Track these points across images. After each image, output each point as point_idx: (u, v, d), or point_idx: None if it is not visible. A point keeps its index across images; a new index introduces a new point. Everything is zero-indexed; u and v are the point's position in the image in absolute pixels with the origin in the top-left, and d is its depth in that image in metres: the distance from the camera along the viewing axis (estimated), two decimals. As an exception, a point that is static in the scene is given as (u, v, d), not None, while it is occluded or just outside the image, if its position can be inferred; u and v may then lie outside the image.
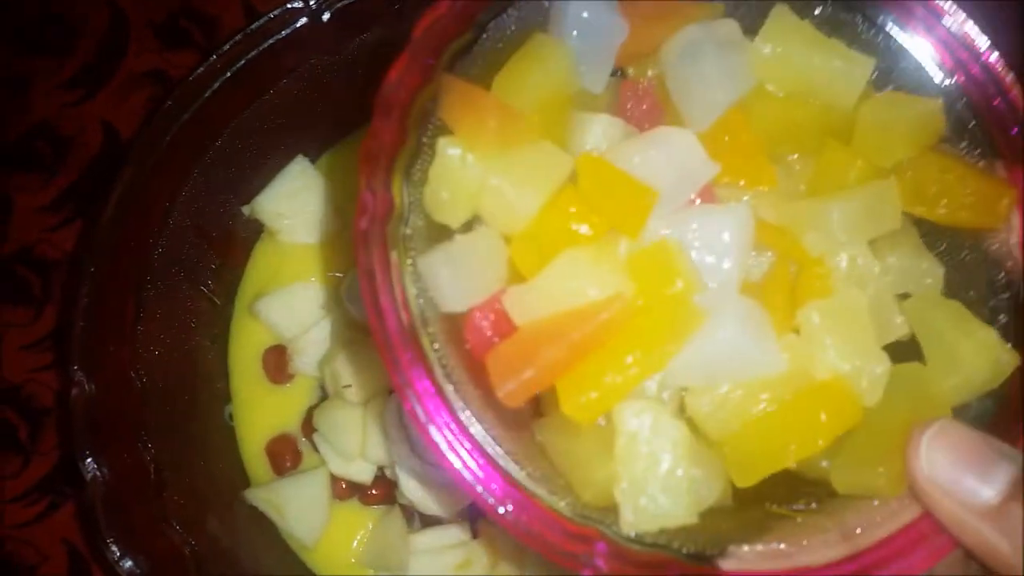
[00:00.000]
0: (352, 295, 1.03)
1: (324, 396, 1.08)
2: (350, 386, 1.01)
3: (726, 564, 0.60)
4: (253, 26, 1.02)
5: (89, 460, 0.89)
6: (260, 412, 1.07)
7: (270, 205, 1.09)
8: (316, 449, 1.06)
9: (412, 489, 0.95)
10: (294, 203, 1.09)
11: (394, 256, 0.61)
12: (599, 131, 0.68)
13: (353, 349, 1.02)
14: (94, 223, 0.97)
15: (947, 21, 0.73)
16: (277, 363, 1.08)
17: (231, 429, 1.07)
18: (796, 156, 0.73)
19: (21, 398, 1.22)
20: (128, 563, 0.87)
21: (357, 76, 1.10)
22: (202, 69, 1.01)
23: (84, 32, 1.40)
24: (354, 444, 1.01)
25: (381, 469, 1.04)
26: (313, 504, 1.01)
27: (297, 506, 1.00)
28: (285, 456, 1.04)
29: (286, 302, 1.08)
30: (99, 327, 0.94)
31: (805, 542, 0.62)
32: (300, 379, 1.09)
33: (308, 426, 1.08)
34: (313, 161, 1.14)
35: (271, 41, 1.02)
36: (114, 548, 0.87)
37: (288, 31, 1.02)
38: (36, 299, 1.26)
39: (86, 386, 0.91)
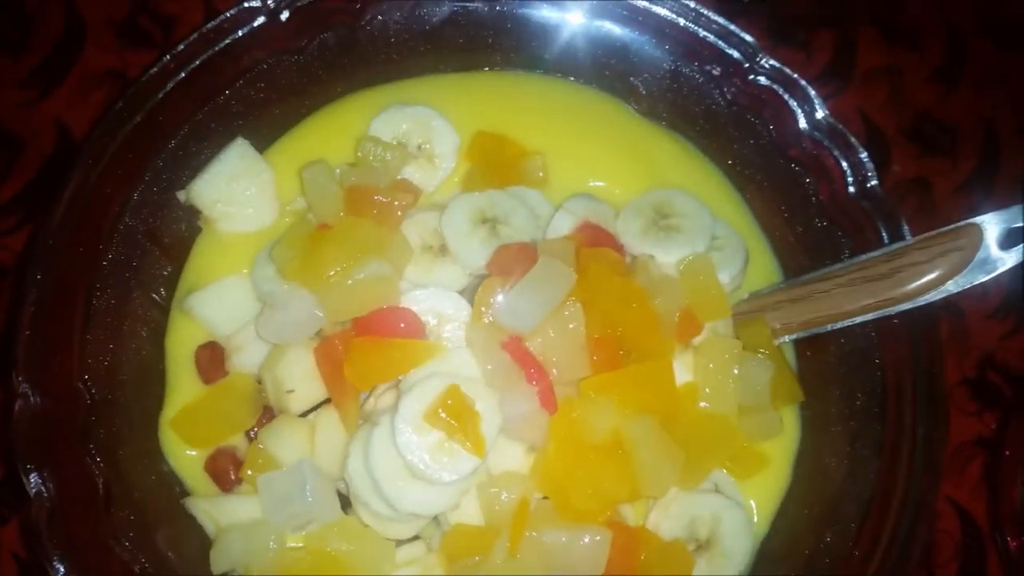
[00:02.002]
0: (263, 324, 0.99)
1: (263, 398, 1.03)
2: (293, 391, 0.98)
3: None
4: (209, 25, 0.99)
5: (33, 475, 0.86)
6: (196, 416, 1.01)
7: (207, 190, 1.02)
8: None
9: (394, 490, 0.92)
10: (232, 188, 1.03)
11: None
12: None
13: (294, 353, 0.98)
14: (42, 228, 0.93)
15: None
16: (211, 360, 1.02)
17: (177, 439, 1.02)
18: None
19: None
20: (74, 582, 0.83)
21: (318, 77, 1.08)
22: (156, 69, 0.98)
23: (39, 30, 1.36)
24: (299, 458, 0.97)
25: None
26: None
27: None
28: (227, 470, 0.98)
29: (219, 297, 1.03)
30: (45, 337, 0.91)
31: None
32: (235, 377, 1.02)
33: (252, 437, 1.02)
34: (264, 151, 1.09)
35: (227, 41, 1.00)
36: (59, 567, 0.83)
37: (245, 30, 1.00)
38: (-16, 306, 1.22)
39: (31, 398, 0.88)
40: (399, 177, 1.05)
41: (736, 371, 0.97)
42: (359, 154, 1.04)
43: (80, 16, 1.37)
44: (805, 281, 1.02)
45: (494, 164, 1.08)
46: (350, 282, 0.93)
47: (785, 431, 1.04)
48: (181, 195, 1.03)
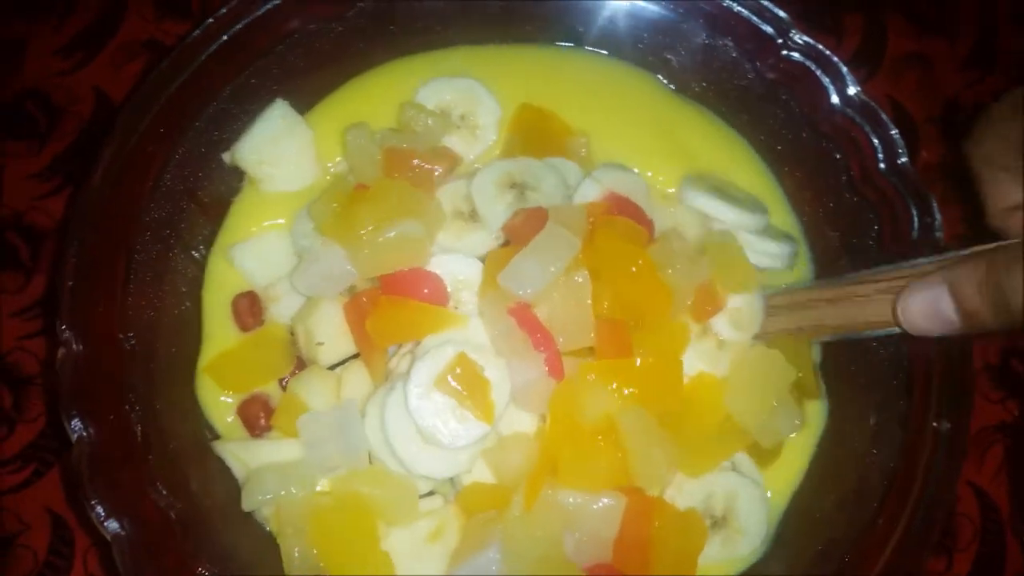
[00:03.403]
0: (298, 277, 1.01)
1: (295, 349, 1.05)
2: (323, 344, 1.00)
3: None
4: (250, -10, 1.01)
5: (76, 421, 0.88)
6: (232, 362, 1.03)
7: (251, 151, 1.04)
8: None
9: (408, 453, 0.94)
10: (275, 150, 1.05)
11: None
12: None
13: (326, 307, 1.01)
14: (85, 184, 0.95)
15: None
16: (250, 309, 1.04)
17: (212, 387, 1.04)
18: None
19: (6, 366, 1.20)
20: (113, 524, 0.85)
21: (355, 43, 1.09)
22: (198, 32, 1.00)
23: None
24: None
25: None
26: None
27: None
28: (259, 416, 1.01)
29: (260, 248, 1.05)
30: (88, 288, 0.93)
31: None
32: (270, 327, 1.05)
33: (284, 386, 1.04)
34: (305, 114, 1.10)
35: (269, 6, 1.02)
36: (99, 509, 0.85)
37: (284, -4, 1.01)
38: (25, 266, 1.25)
39: (74, 346, 0.90)
40: (440, 144, 1.07)
41: (775, 396, 0.97)
42: (402, 119, 1.07)
43: (120, -13, 1.40)
44: (843, 282, 0.97)
45: (536, 137, 1.09)
46: (381, 239, 0.95)
47: (809, 422, 1.04)
48: (226, 156, 1.05)
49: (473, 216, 1.04)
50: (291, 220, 1.05)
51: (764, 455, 1.03)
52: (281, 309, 1.04)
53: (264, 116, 1.05)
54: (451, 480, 0.99)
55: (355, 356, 1.03)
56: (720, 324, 1.03)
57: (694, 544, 0.96)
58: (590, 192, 1.03)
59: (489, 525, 0.92)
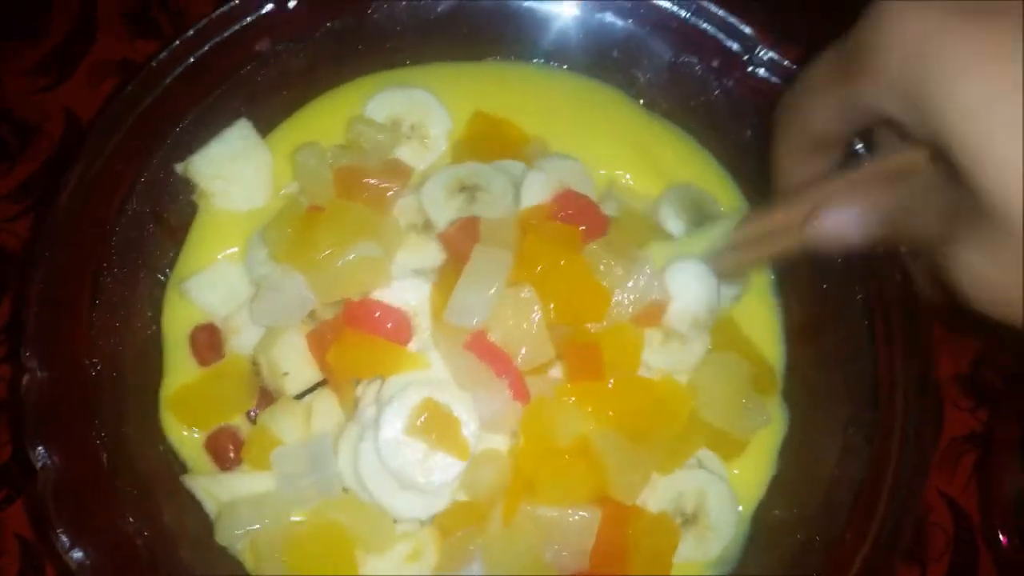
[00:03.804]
0: (256, 308, 1.00)
1: (259, 380, 1.04)
2: (288, 373, 0.99)
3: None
4: (218, 11, 1.01)
5: (40, 448, 0.87)
6: (194, 397, 1.01)
7: (206, 165, 1.03)
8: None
9: (387, 499, 0.94)
10: (230, 167, 1.04)
11: None
12: None
13: (288, 336, 1.00)
14: (50, 208, 0.95)
15: None
16: (208, 342, 1.02)
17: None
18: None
19: (-27, 392, 1.19)
20: (78, 554, 0.84)
21: (324, 64, 1.10)
22: (165, 53, 1.00)
23: (53, 19, 1.39)
24: (296, 439, 0.98)
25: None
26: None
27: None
28: (228, 448, 0.99)
29: (214, 280, 1.03)
30: (53, 313, 0.92)
31: None
32: (231, 359, 1.03)
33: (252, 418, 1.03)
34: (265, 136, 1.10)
35: (236, 27, 1.02)
36: (64, 538, 0.84)
37: (253, 17, 1.02)
38: (-9, 290, 1.24)
39: (38, 373, 0.89)
40: (391, 158, 1.07)
41: (742, 396, 0.99)
42: (349, 135, 1.06)
43: (92, 6, 1.40)
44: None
45: (488, 143, 1.09)
46: (340, 263, 0.95)
47: (771, 418, 1.05)
48: (179, 167, 1.04)
49: (427, 227, 1.04)
50: (244, 247, 1.04)
51: (728, 448, 1.04)
52: (242, 340, 1.03)
53: (224, 134, 1.05)
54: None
55: (322, 383, 1.02)
56: (674, 321, 1.02)
57: (668, 545, 0.97)
58: (536, 184, 1.02)
59: (468, 542, 0.93)
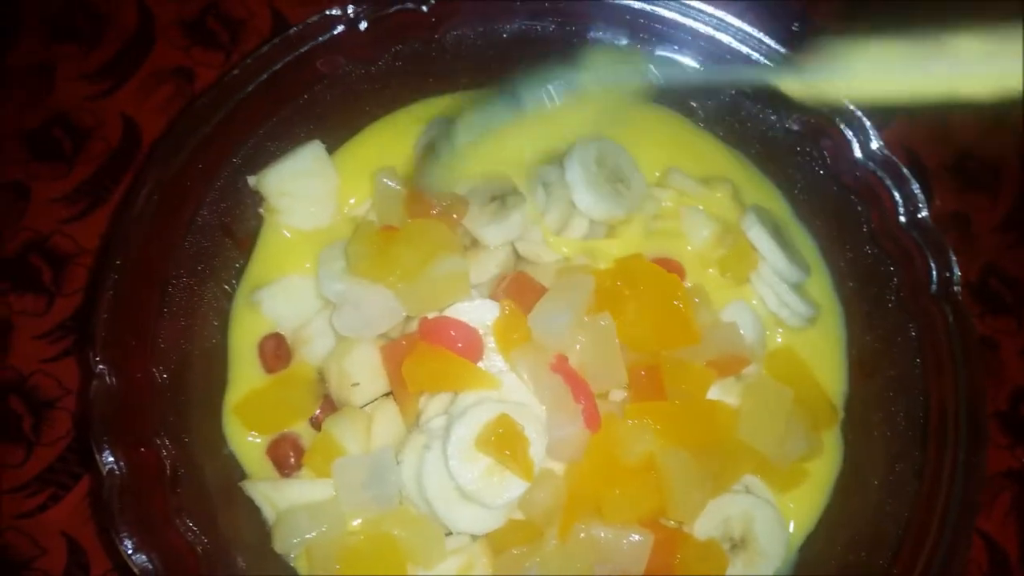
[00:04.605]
0: (340, 319, 1.02)
1: (322, 389, 1.07)
2: (358, 384, 1.01)
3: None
4: (291, 31, 1.03)
5: (107, 452, 0.89)
6: (260, 402, 1.04)
7: (277, 181, 1.06)
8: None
9: (448, 512, 0.96)
10: (299, 184, 1.07)
11: None
12: None
13: (361, 348, 1.02)
14: (123, 216, 0.97)
15: None
16: (275, 351, 1.05)
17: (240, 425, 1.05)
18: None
19: (27, 388, 1.21)
20: (142, 559, 0.86)
21: (391, 86, 1.12)
22: (237, 70, 1.02)
23: (113, 24, 1.41)
24: (358, 447, 1.00)
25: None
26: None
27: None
28: (288, 455, 1.02)
29: (285, 293, 1.07)
30: (122, 320, 0.94)
31: None
32: (296, 367, 1.06)
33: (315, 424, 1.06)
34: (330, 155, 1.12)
35: (307, 47, 1.04)
36: (128, 543, 0.86)
37: (324, 37, 1.04)
38: (48, 290, 1.26)
39: (107, 378, 0.91)
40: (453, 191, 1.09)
41: (785, 423, 1.00)
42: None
43: (151, 14, 1.42)
44: None
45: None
46: (430, 277, 0.98)
47: (827, 451, 1.06)
48: (252, 180, 1.07)
49: (474, 244, 1.07)
50: (314, 263, 1.07)
51: (780, 481, 1.05)
52: (312, 350, 1.06)
53: (297, 152, 1.07)
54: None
55: (385, 395, 1.04)
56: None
57: (716, 573, 0.99)
58: (575, 166, 1.07)
59: (524, 559, 0.95)
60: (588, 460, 0.95)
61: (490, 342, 1.00)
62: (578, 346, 0.96)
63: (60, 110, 1.36)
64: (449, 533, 0.99)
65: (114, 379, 0.91)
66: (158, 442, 0.93)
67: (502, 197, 1.07)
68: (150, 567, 0.86)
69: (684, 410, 0.97)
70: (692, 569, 0.96)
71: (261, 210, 1.09)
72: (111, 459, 0.89)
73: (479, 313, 1.00)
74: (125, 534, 0.86)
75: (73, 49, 1.39)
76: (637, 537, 0.93)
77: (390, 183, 1.05)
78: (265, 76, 1.02)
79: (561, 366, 0.95)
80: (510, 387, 0.98)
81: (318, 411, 1.05)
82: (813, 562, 1.02)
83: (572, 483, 0.96)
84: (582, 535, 0.93)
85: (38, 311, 1.25)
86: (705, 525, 1.01)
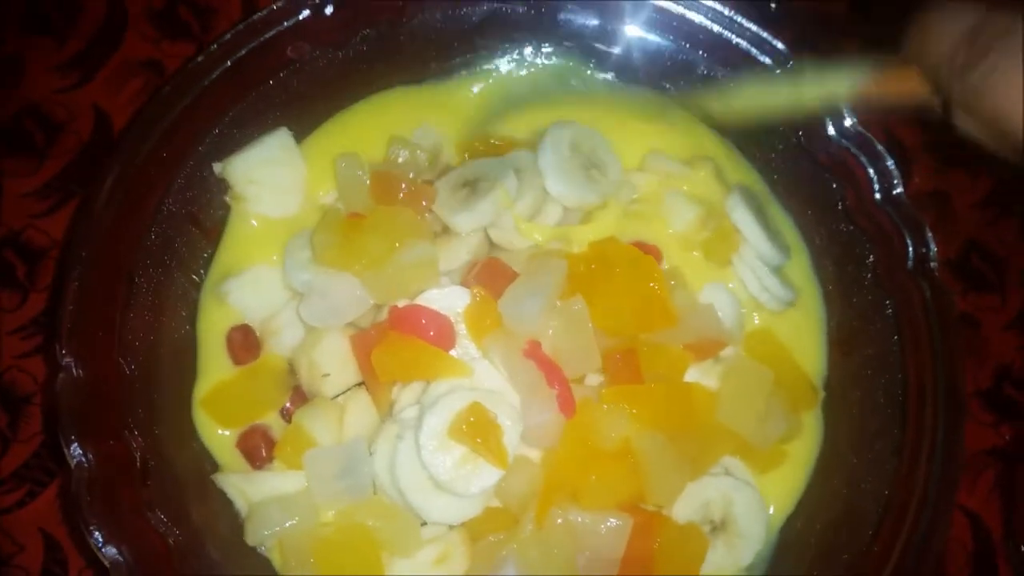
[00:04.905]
0: (307, 309, 1.01)
1: (292, 380, 1.05)
2: (329, 375, 1.00)
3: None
4: (256, 16, 1.02)
5: (75, 446, 0.88)
6: (228, 396, 1.03)
7: (242, 168, 1.05)
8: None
9: (422, 502, 0.95)
10: (266, 172, 1.05)
11: None
12: None
13: (330, 338, 1.01)
14: (88, 207, 0.95)
15: None
16: (244, 342, 1.04)
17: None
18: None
19: (2, 385, 1.20)
20: (111, 551, 0.85)
21: (359, 71, 1.10)
22: (202, 57, 1.01)
23: (83, 17, 1.39)
24: (330, 439, 0.99)
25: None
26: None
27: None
28: (259, 447, 1.01)
29: (252, 284, 1.05)
30: (88, 312, 0.93)
31: None
32: (266, 359, 1.05)
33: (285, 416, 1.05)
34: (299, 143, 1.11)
35: (273, 32, 1.02)
36: (97, 535, 0.85)
37: (290, 22, 1.02)
38: (22, 285, 1.25)
39: (74, 371, 0.90)
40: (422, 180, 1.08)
41: (764, 404, 0.99)
42: (389, 155, 1.08)
43: (121, 5, 1.41)
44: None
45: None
46: (397, 264, 0.97)
47: (806, 431, 1.05)
48: (217, 167, 1.05)
49: (445, 230, 1.06)
50: (282, 253, 1.06)
51: (760, 462, 1.05)
52: (283, 341, 1.04)
53: (264, 140, 1.06)
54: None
55: (357, 384, 1.03)
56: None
57: (696, 555, 0.98)
58: (548, 151, 1.06)
59: (501, 547, 0.94)
60: (564, 446, 0.94)
61: (462, 330, 0.99)
62: (551, 331, 0.95)
63: (31, 103, 1.34)
64: (424, 523, 0.98)
65: (81, 371, 0.90)
66: (127, 434, 0.92)
67: (473, 183, 1.05)
68: (120, 559, 0.85)
69: (661, 393, 0.96)
70: (672, 553, 0.95)
71: (227, 198, 1.07)
72: (79, 452, 0.88)
73: (450, 300, 0.99)
74: (94, 527, 0.85)
75: (44, 41, 1.37)
76: (615, 522, 0.92)
77: (353, 168, 1.04)
78: (230, 63, 1.00)
79: (534, 352, 0.94)
80: (483, 375, 0.96)
81: (288, 403, 1.04)
82: (793, 542, 1.02)
83: (549, 469, 0.95)
84: (559, 521, 0.92)
85: (12, 306, 1.24)
86: (684, 508, 1.00)
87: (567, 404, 0.94)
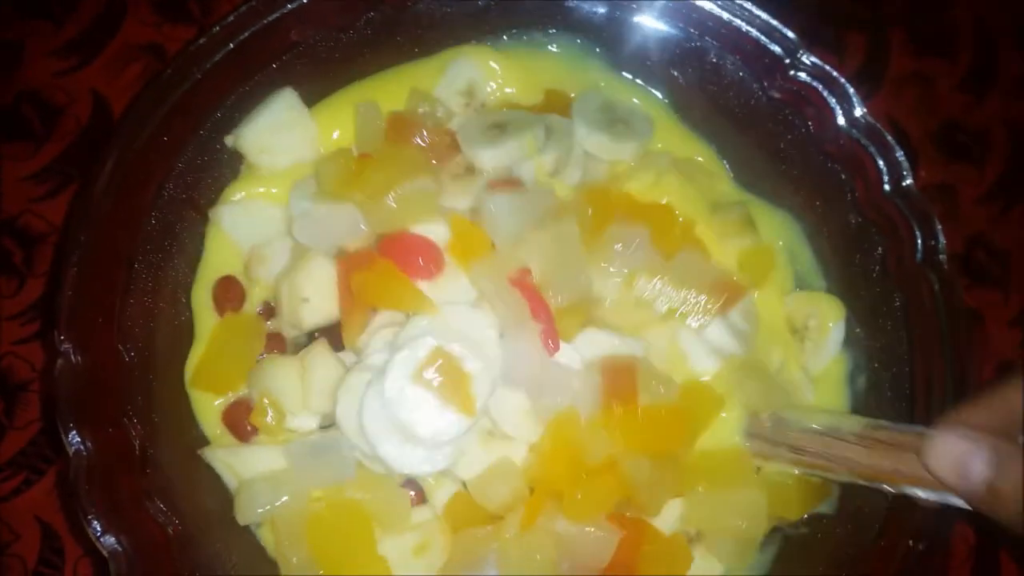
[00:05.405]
0: (301, 226, 1.01)
1: (268, 328, 1.05)
2: (308, 300, 0.99)
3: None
4: (258, -1, 1.00)
5: (73, 433, 0.86)
6: (208, 357, 1.02)
7: (253, 137, 1.04)
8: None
9: (388, 450, 0.92)
10: (277, 139, 1.05)
11: None
12: None
13: (315, 263, 1.00)
14: (87, 192, 0.94)
15: None
16: (227, 292, 1.03)
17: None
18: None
19: (-1, 371, 1.19)
20: (110, 540, 0.84)
21: (362, 54, 1.09)
22: (203, 40, 0.99)
23: (82, 1, 1.37)
24: (295, 397, 0.99)
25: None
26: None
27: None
28: (243, 420, 0.99)
29: (249, 213, 1.05)
30: (87, 298, 0.92)
31: None
32: (245, 313, 1.04)
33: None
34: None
35: (276, 15, 1.01)
36: (96, 524, 0.84)
37: (293, 5, 1.01)
38: (19, 271, 1.23)
39: (72, 357, 0.89)
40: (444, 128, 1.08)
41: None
42: (408, 106, 1.08)
43: (121, -11, 1.39)
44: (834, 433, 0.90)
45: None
46: (396, 195, 0.97)
47: None
48: (229, 140, 1.04)
49: (469, 171, 1.06)
50: (285, 190, 1.05)
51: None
52: (269, 268, 1.04)
53: (270, 105, 1.04)
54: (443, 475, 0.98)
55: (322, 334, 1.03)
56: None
57: (680, 567, 0.97)
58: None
59: (484, 542, 0.93)
60: (552, 450, 0.93)
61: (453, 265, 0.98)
62: (539, 259, 0.94)
63: (30, 87, 1.33)
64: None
65: (79, 358, 0.89)
66: (126, 422, 0.91)
67: (503, 125, 1.05)
68: (119, 549, 0.84)
69: (654, 421, 0.94)
70: (657, 563, 0.95)
71: (242, 167, 1.07)
72: (77, 439, 0.87)
73: (444, 232, 0.98)
74: (93, 516, 0.84)
75: (42, 25, 1.35)
76: (602, 534, 0.91)
77: (371, 113, 1.05)
78: (232, 45, 0.99)
79: (520, 280, 0.93)
80: (462, 319, 0.95)
81: (263, 352, 1.03)
82: (798, 539, 1.01)
83: (532, 473, 0.94)
84: (545, 526, 0.91)
85: (9, 292, 1.22)
86: (668, 517, 0.98)
87: (550, 337, 0.92)
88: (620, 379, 0.94)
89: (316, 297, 0.99)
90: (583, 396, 0.94)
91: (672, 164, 1.09)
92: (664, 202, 1.06)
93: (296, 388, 0.98)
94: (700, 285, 1.00)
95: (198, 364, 1.03)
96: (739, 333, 1.02)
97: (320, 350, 0.99)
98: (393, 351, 0.93)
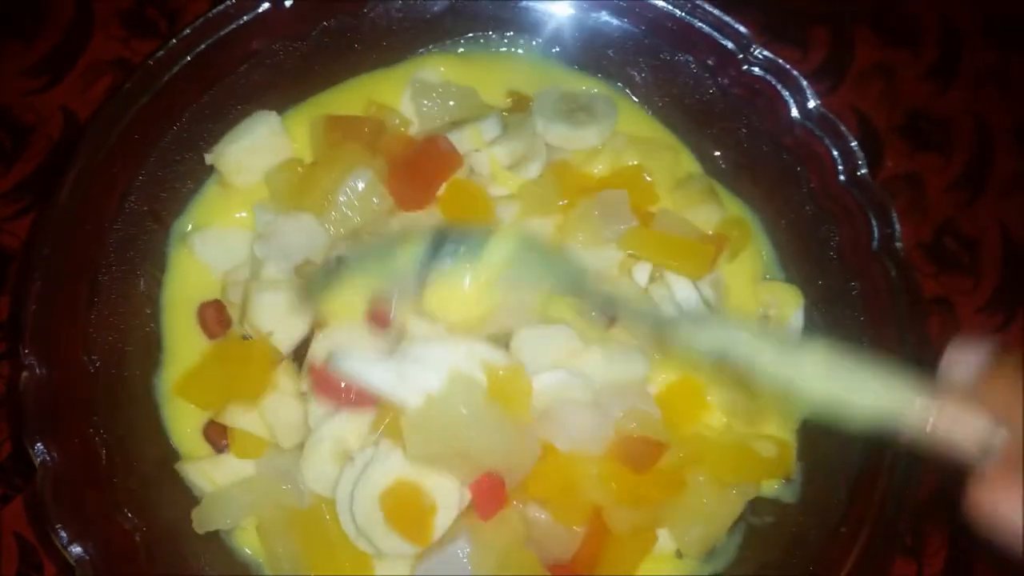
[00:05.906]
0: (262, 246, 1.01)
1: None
2: (272, 332, 0.99)
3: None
4: (214, 11, 1.01)
5: (39, 445, 0.87)
6: (204, 376, 1.02)
7: (232, 157, 1.05)
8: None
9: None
10: (255, 160, 1.06)
11: None
12: None
13: (264, 298, 0.99)
14: (49, 205, 0.95)
15: None
16: (217, 317, 1.03)
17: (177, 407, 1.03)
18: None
19: (-27, 388, 1.19)
20: (77, 549, 0.85)
21: (320, 62, 1.10)
22: (162, 52, 1.00)
23: (50, 18, 1.39)
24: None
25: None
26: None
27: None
28: (221, 438, 1.00)
29: (221, 239, 1.06)
30: (52, 310, 0.92)
31: None
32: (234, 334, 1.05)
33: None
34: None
35: (233, 26, 1.02)
36: (63, 534, 0.85)
37: (250, 16, 1.02)
38: (-10, 289, 1.24)
39: (37, 370, 0.89)
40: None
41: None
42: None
43: (89, 6, 1.40)
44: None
45: None
46: (343, 195, 1.00)
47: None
48: (209, 157, 1.05)
49: None
50: (252, 213, 1.07)
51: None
52: (240, 290, 1.04)
53: (252, 125, 1.06)
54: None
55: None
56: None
57: (645, 546, 0.98)
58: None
59: (457, 521, 0.93)
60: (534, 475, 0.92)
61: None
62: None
63: (1, 106, 1.34)
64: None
65: (44, 370, 0.90)
66: (92, 432, 0.92)
67: (458, 121, 1.06)
68: (87, 558, 0.85)
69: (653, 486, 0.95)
70: (624, 544, 0.96)
71: (216, 182, 1.08)
72: (43, 451, 0.87)
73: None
74: (60, 525, 0.85)
75: (10, 44, 1.37)
76: (572, 529, 0.93)
77: (319, 126, 1.07)
78: (189, 58, 1.00)
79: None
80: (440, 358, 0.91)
81: None
82: (760, 527, 1.02)
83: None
84: (516, 512, 0.92)
85: (-19, 311, 1.23)
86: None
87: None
88: (639, 457, 0.93)
89: (279, 327, 0.99)
90: (588, 433, 0.92)
91: (630, 142, 1.10)
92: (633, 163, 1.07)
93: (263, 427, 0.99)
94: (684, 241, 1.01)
95: (187, 376, 1.03)
96: (707, 301, 1.03)
97: (277, 396, 0.98)
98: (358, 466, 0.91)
